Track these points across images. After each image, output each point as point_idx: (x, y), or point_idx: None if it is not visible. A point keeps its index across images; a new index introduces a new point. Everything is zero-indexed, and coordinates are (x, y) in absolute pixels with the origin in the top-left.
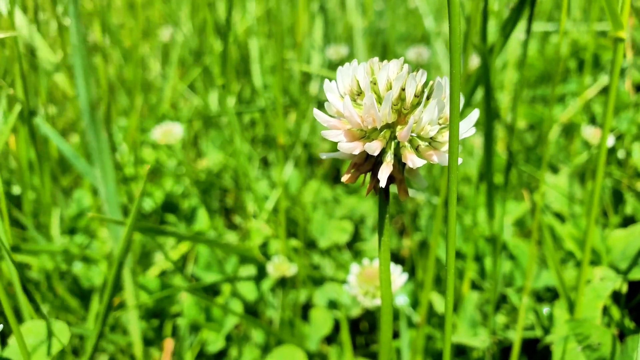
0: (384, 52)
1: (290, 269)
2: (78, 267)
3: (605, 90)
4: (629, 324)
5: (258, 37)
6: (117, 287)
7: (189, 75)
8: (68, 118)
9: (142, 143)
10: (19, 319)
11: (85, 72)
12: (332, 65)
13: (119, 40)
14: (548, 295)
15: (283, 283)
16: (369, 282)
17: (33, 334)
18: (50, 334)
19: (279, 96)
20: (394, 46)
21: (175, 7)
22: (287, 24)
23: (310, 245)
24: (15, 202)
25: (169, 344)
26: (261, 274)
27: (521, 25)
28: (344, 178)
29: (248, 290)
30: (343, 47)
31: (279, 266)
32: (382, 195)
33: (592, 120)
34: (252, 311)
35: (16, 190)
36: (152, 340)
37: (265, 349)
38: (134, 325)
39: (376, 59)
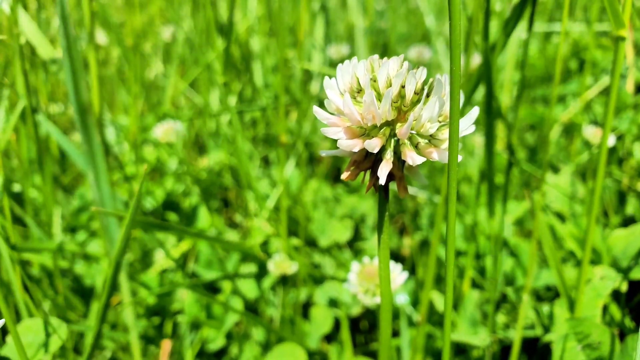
0: (385, 52)
1: (291, 267)
2: (79, 265)
3: (606, 91)
4: (629, 323)
5: (259, 36)
6: (116, 285)
7: (190, 74)
8: (69, 116)
9: (143, 141)
10: (19, 316)
11: (75, 74)
12: (333, 64)
13: (120, 39)
14: (548, 294)
15: (284, 281)
16: (369, 280)
17: (32, 332)
18: (48, 331)
19: (281, 95)
20: (395, 46)
21: (176, 5)
22: (288, 23)
23: (311, 243)
24: (16, 199)
25: (166, 344)
26: (262, 272)
27: (522, 25)
28: (344, 175)
29: (249, 288)
30: (344, 47)
31: (280, 264)
32: (382, 192)
33: (595, 122)
34: (253, 309)
35: (17, 188)
36: (152, 338)
37: (266, 346)
38: (131, 323)
39: (376, 56)
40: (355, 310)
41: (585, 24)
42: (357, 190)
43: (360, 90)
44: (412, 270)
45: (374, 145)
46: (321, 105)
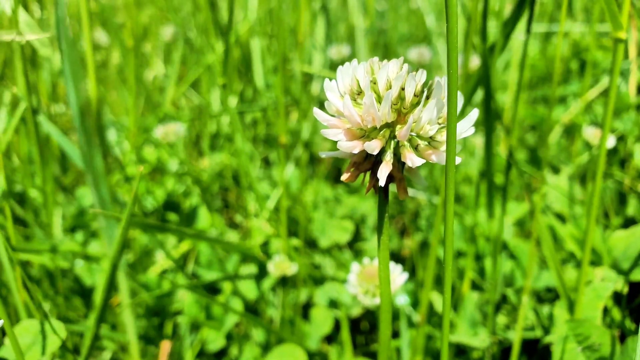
0: (386, 52)
1: (291, 268)
2: (79, 265)
3: (606, 92)
4: (630, 325)
5: (260, 37)
6: (114, 286)
7: (191, 75)
8: (70, 116)
9: (144, 142)
10: (18, 317)
11: (74, 77)
12: (334, 65)
13: (121, 39)
14: (549, 295)
15: (284, 282)
16: (369, 280)
17: (30, 333)
18: (46, 332)
19: (281, 96)
20: (395, 46)
21: (177, 5)
22: (289, 24)
23: (311, 244)
24: (17, 200)
25: (165, 345)
26: (262, 273)
27: (521, 26)
28: (344, 177)
29: (249, 289)
30: (345, 47)
31: (280, 265)
32: (382, 194)
33: (596, 123)
34: (253, 310)
35: (18, 188)
36: (152, 339)
37: (266, 347)
38: (130, 324)
39: (376, 58)
40: (356, 311)
41: (586, 24)
42: (357, 191)
43: (360, 93)
44: (412, 271)
45: (373, 147)
46: (321, 106)
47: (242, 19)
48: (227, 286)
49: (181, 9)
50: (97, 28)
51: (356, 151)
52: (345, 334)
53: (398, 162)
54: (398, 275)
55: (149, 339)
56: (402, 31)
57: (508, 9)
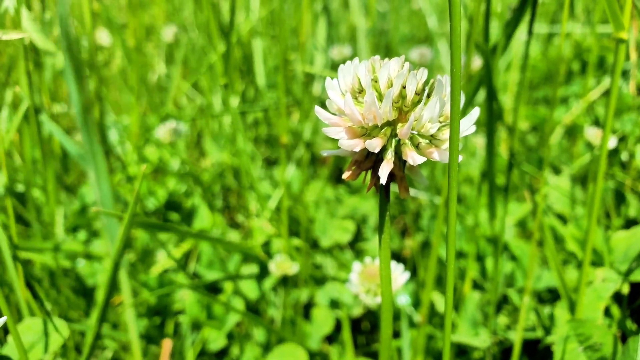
0: (387, 53)
1: (292, 268)
2: (81, 264)
3: (608, 92)
4: (631, 325)
5: (262, 38)
6: (116, 285)
7: (193, 75)
8: (72, 116)
9: (146, 141)
10: (20, 316)
11: (76, 76)
12: (336, 66)
13: (124, 40)
14: (549, 296)
15: (285, 282)
16: (370, 280)
17: (32, 331)
18: (48, 331)
19: (282, 96)
20: (397, 47)
21: (178, 6)
22: (290, 25)
23: (313, 244)
24: (19, 199)
25: (167, 344)
26: (263, 273)
27: (523, 27)
28: (345, 175)
29: (250, 289)
30: (346, 48)
31: (281, 265)
32: (383, 192)
33: (596, 123)
34: (254, 309)
35: (20, 187)
36: (153, 338)
37: (267, 347)
38: (132, 324)
39: (377, 57)
40: (357, 311)
41: (587, 25)
42: (358, 191)
43: (361, 91)
44: (414, 272)
45: (375, 145)
46: (323, 106)
47: (244, 19)
48: (228, 286)
49: (183, 9)
50: (100, 28)
51: (357, 149)
52: (346, 334)
53: (399, 161)
54: (399, 274)
55: (151, 338)
56: (403, 32)
57: (509, 10)
